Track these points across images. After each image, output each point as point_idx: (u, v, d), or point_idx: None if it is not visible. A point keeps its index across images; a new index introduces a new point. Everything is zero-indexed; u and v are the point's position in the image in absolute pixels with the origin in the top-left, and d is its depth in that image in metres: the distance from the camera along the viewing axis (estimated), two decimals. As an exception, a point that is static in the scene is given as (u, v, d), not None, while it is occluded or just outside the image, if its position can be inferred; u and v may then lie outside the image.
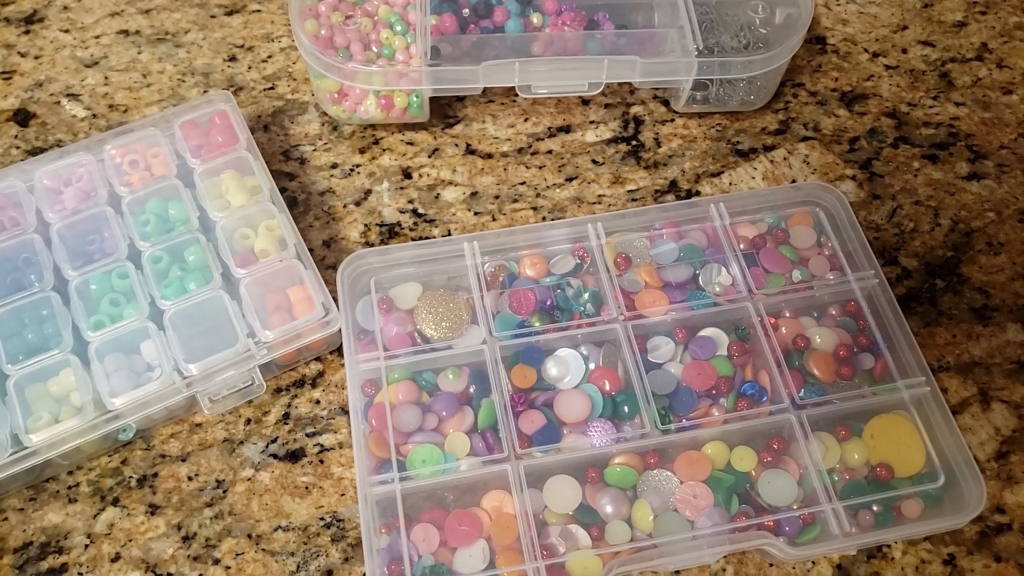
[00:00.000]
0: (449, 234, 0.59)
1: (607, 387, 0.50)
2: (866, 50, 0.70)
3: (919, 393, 0.49)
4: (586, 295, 0.53)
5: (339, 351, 0.55)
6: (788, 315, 0.53)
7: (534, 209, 0.61)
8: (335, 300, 0.52)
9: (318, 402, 0.53)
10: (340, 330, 0.51)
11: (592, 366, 0.51)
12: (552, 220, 0.60)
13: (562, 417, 0.49)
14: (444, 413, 0.49)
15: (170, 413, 0.52)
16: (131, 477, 0.51)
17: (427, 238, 0.59)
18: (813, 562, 0.48)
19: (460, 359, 0.51)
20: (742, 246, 0.54)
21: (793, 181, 0.62)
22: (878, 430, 0.49)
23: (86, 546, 0.49)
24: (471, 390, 0.51)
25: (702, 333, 0.52)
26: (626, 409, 0.49)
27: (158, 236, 0.55)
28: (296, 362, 0.54)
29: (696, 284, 0.53)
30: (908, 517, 0.47)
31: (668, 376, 0.50)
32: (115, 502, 0.50)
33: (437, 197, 0.61)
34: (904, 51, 0.70)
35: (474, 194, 0.61)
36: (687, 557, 0.46)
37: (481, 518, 0.47)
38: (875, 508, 0.47)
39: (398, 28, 0.62)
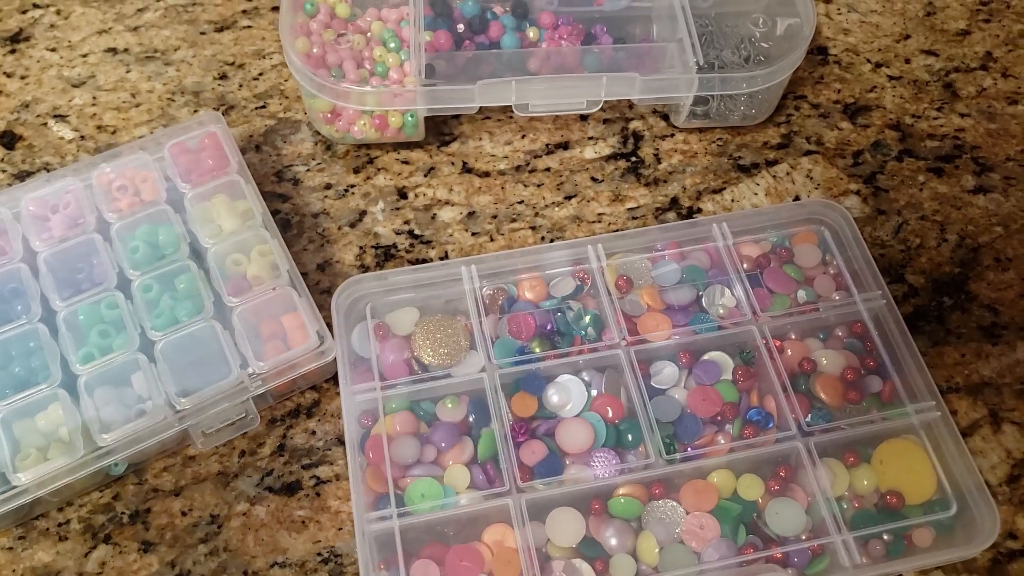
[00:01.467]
0: (446, 255, 0.60)
1: (610, 415, 0.50)
2: (868, 60, 0.70)
3: (929, 418, 0.49)
4: (587, 319, 0.53)
5: (335, 379, 0.55)
6: (793, 337, 0.53)
7: (533, 228, 0.61)
8: (330, 326, 0.52)
9: (314, 432, 0.53)
10: (335, 359, 0.52)
11: (594, 393, 0.51)
12: (551, 240, 0.60)
13: (564, 447, 0.49)
14: (443, 444, 0.50)
15: (162, 446, 0.52)
16: (123, 513, 0.51)
17: (424, 260, 0.59)
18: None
19: (459, 387, 0.51)
20: (746, 266, 0.54)
21: (796, 197, 0.62)
22: (887, 455, 0.49)
23: None
24: (471, 419, 0.51)
25: (706, 357, 0.52)
26: (630, 438, 0.49)
27: (148, 264, 0.54)
28: (291, 392, 0.54)
29: (699, 307, 0.53)
30: (920, 546, 0.47)
31: (672, 402, 0.50)
32: (107, 539, 0.50)
33: (434, 217, 0.61)
34: (907, 61, 0.70)
35: (471, 214, 0.62)
36: (693, 591, 0.46)
37: (482, 553, 0.47)
38: (886, 537, 0.47)
39: (392, 45, 0.62)
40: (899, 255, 0.60)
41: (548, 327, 0.53)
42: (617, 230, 0.61)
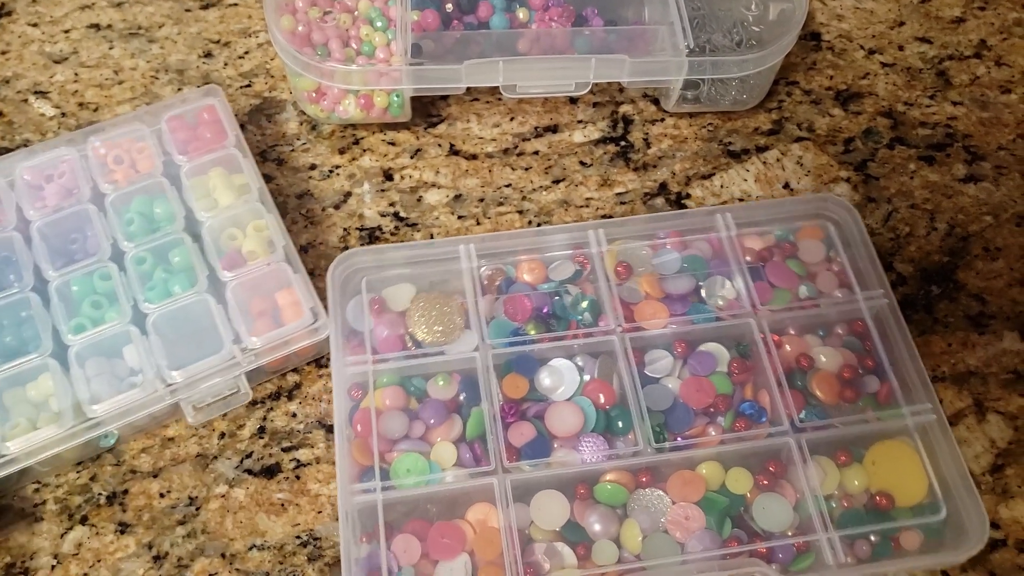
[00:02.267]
0: (432, 238, 0.60)
1: (601, 400, 0.50)
2: (862, 47, 0.71)
3: (924, 420, 0.50)
4: (584, 304, 0.53)
5: (317, 362, 0.55)
6: (792, 332, 0.53)
7: (520, 212, 0.61)
8: (323, 298, 0.53)
9: (295, 415, 0.54)
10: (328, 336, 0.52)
11: (587, 378, 0.51)
12: (538, 224, 0.60)
13: (553, 430, 0.49)
14: (432, 421, 0.50)
15: (153, 419, 0.52)
16: (100, 494, 0.51)
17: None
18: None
19: (451, 365, 0.52)
20: (748, 259, 0.54)
21: (786, 184, 0.63)
22: (880, 456, 0.49)
23: (53, 567, 0.49)
24: (461, 398, 0.51)
25: (702, 348, 0.52)
26: (620, 424, 0.50)
27: (143, 236, 0.55)
28: (284, 368, 0.55)
29: (698, 297, 0.54)
30: (907, 549, 0.48)
31: (665, 391, 0.51)
32: (83, 520, 0.50)
33: (420, 200, 0.62)
34: (901, 48, 0.71)
35: (458, 197, 0.62)
36: (675, 581, 0.46)
37: (465, 531, 0.47)
38: (872, 539, 0.48)
39: (378, 24, 0.62)
40: (888, 243, 0.60)
41: (544, 310, 0.53)
42: (605, 215, 0.61)
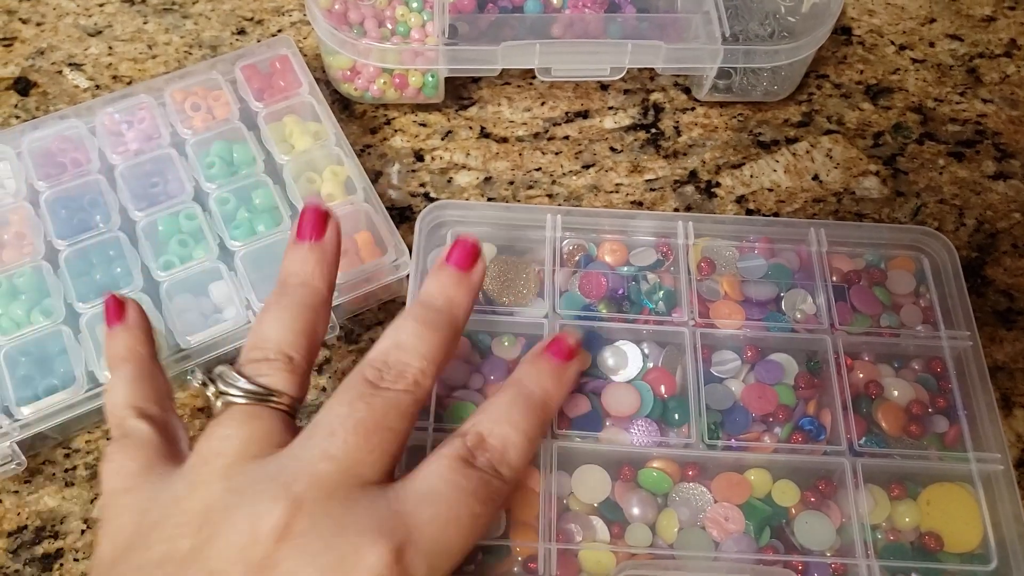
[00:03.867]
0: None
1: (661, 389, 0.52)
2: (892, 42, 0.73)
3: (990, 469, 0.50)
4: (660, 293, 0.55)
5: (347, 337, 0.58)
6: (867, 359, 0.54)
7: (549, 196, 0.63)
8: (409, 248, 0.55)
9: (324, 389, 0.56)
10: (408, 276, 0.55)
11: (650, 365, 0.53)
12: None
13: (608, 408, 0.51)
14: (492, 377, 0.52)
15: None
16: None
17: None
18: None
19: (519, 328, 0.54)
20: (834, 278, 0.55)
21: (815, 176, 0.65)
22: (936, 497, 0.50)
23: (82, 531, 0.51)
24: (523, 361, 0.53)
25: (772, 357, 0.53)
26: (676, 416, 0.51)
27: (224, 178, 0.58)
28: (363, 308, 0.58)
29: (777, 306, 0.55)
30: (948, 594, 0.48)
31: (727, 392, 0.52)
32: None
33: (450, 181, 0.64)
34: (931, 44, 0.73)
35: (487, 179, 0.64)
36: (703, 576, 0.48)
37: (505, 487, 0.49)
38: (914, 576, 0.48)
39: (414, 5, 0.65)
40: None
41: (620, 292, 0.55)
42: (635, 202, 0.63)
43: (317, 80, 0.64)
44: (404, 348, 0.42)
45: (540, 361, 0.46)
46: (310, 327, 0.44)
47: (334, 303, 0.53)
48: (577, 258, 0.56)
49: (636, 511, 0.49)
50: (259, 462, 0.39)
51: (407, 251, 0.55)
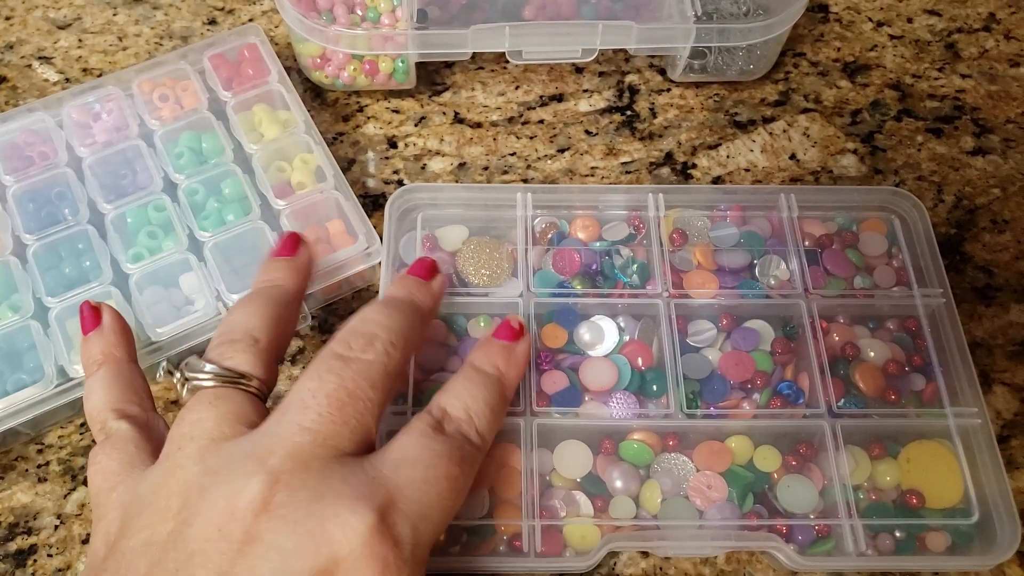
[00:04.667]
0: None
1: (639, 362, 0.53)
2: (870, 19, 0.73)
3: (968, 423, 0.51)
4: (634, 266, 0.56)
5: (320, 327, 0.58)
6: (842, 321, 0.55)
7: (524, 181, 0.64)
8: (379, 234, 0.56)
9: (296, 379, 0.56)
10: (380, 264, 0.55)
11: (627, 338, 0.54)
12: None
13: (586, 383, 0.52)
14: (468, 359, 0.53)
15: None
16: None
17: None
18: (821, 581, 0.50)
19: (494, 308, 0.55)
20: (807, 243, 0.56)
21: (792, 156, 0.65)
22: (916, 455, 0.51)
23: (56, 527, 0.51)
24: (499, 342, 0.54)
25: (747, 324, 0.54)
26: (654, 387, 0.52)
27: (193, 169, 0.58)
28: (336, 296, 0.59)
29: (751, 273, 0.56)
30: (932, 550, 0.49)
31: (704, 361, 0.53)
32: (87, 481, 0.51)
33: (424, 167, 0.65)
34: (909, 20, 0.73)
35: (462, 164, 0.65)
36: (688, 545, 0.49)
37: (487, 467, 0.50)
38: (897, 534, 0.49)
39: None
40: None
41: (593, 267, 0.56)
42: (611, 184, 0.64)
43: (288, 69, 0.64)
44: (370, 321, 0.43)
45: (489, 344, 0.48)
46: (277, 316, 0.45)
47: (308, 291, 0.54)
48: (550, 236, 0.57)
49: (619, 484, 0.50)
50: (233, 442, 0.39)
51: (378, 239, 0.56)
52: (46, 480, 0.53)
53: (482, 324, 0.54)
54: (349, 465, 0.39)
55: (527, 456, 0.50)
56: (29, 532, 0.51)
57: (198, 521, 0.36)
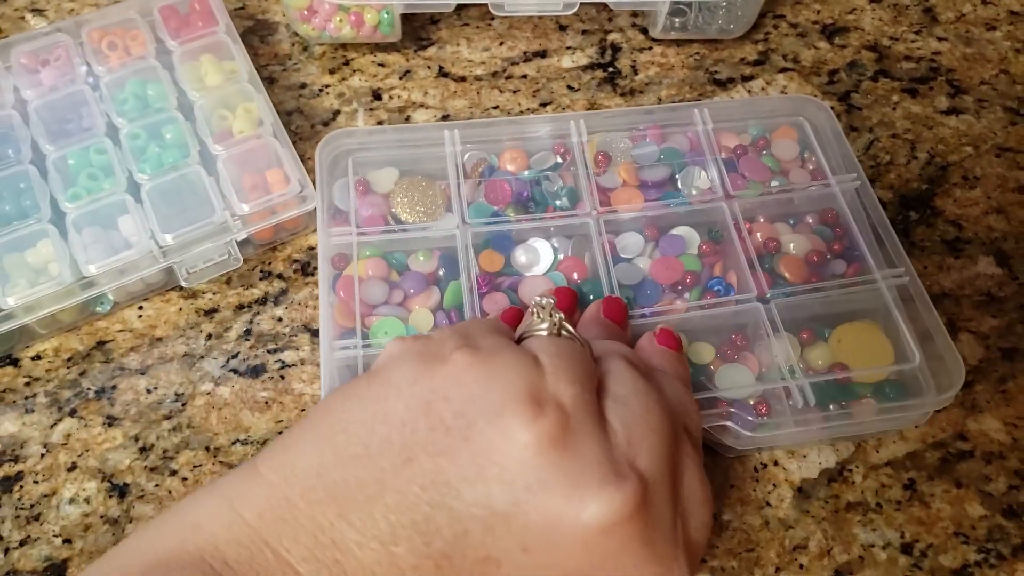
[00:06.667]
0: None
1: (574, 276, 0.57)
2: None
3: (898, 283, 0.55)
4: (563, 190, 0.60)
5: (303, 269, 0.61)
6: (763, 220, 0.59)
7: None
8: (312, 181, 0.60)
9: (280, 319, 0.60)
10: (315, 210, 0.59)
11: (561, 256, 0.58)
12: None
13: (526, 301, 0.56)
14: (411, 291, 0.56)
15: (148, 287, 0.59)
16: (89, 389, 0.56)
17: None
18: (774, 484, 0.54)
19: (432, 243, 0.58)
20: (723, 154, 0.61)
21: None
22: (845, 335, 0.55)
23: (42, 455, 0.54)
24: (440, 273, 0.57)
25: (674, 231, 0.59)
26: (591, 297, 0.56)
27: (136, 115, 0.62)
28: (273, 241, 0.62)
29: (674, 186, 0.60)
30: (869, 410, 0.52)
31: (635, 269, 0.57)
32: (72, 413, 0.56)
33: (408, 119, 0.68)
34: None
35: (445, 117, 0.69)
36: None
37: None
38: (835, 406, 0.53)
39: None
40: (869, 171, 0.67)
41: (524, 195, 0.60)
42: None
43: (275, 24, 0.68)
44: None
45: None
46: None
47: (242, 233, 0.58)
48: (480, 170, 0.61)
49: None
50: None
51: (311, 184, 0.59)
52: (33, 411, 0.56)
53: (421, 258, 0.58)
54: None
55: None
56: (16, 460, 0.54)
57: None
